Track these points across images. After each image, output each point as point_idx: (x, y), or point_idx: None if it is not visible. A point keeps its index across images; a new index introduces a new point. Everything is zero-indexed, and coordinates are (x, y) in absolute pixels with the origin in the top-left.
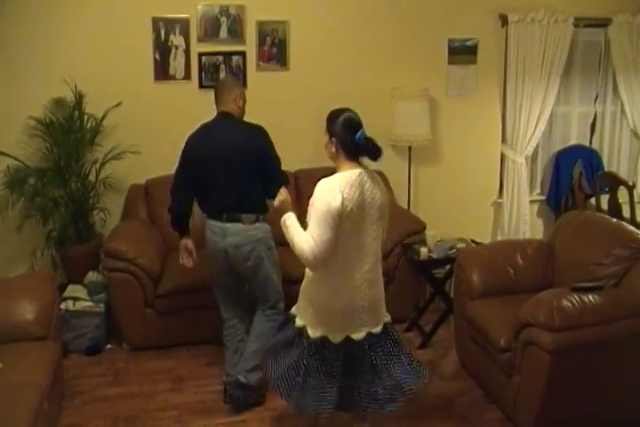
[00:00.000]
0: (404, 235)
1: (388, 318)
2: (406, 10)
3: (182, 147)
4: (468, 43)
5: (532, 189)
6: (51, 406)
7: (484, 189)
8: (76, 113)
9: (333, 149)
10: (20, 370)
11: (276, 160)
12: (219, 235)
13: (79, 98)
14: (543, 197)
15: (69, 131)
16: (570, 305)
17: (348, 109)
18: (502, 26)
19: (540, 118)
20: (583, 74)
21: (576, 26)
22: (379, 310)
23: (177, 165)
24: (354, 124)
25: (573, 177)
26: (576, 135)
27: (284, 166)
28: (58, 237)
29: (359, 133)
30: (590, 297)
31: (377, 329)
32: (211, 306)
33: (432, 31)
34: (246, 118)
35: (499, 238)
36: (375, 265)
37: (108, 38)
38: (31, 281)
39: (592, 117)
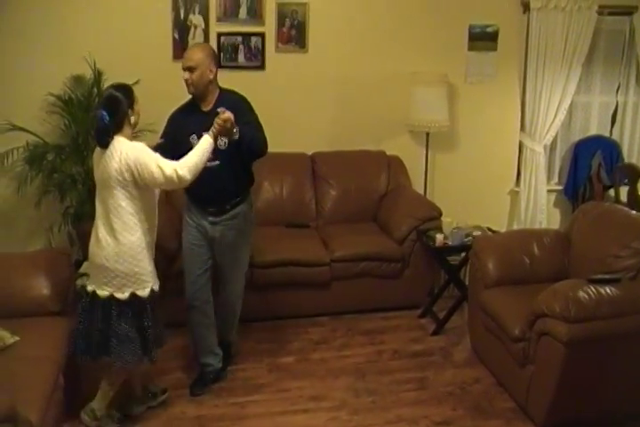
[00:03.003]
0: (420, 221)
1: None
2: None
3: None
4: (489, 29)
5: (549, 178)
6: (66, 380)
7: (501, 178)
8: (95, 90)
9: None
10: (36, 344)
11: None
12: None
13: (98, 75)
14: (561, 187)
15: (88, 108)
16: (586, 297)
17: (123, 87)
18: (524, 12)
19: (560, 107)
20: (606, 63)
21: (600, 13)
22: (106, 273)
23: None
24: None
25: (592, 168)
26: (596, 125)
27: (302, 149)
28: (75, 213)
29: (97, 113)
30: (607, 289)
31: (120, 295)
32: None
33: (452, 17)
34: (267, 99)
35: (515, 227)
36: (104, 226)
37: (127, 17)
38: (48, 257)
39: (613, 108)
